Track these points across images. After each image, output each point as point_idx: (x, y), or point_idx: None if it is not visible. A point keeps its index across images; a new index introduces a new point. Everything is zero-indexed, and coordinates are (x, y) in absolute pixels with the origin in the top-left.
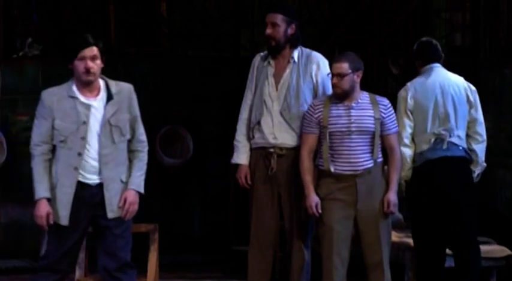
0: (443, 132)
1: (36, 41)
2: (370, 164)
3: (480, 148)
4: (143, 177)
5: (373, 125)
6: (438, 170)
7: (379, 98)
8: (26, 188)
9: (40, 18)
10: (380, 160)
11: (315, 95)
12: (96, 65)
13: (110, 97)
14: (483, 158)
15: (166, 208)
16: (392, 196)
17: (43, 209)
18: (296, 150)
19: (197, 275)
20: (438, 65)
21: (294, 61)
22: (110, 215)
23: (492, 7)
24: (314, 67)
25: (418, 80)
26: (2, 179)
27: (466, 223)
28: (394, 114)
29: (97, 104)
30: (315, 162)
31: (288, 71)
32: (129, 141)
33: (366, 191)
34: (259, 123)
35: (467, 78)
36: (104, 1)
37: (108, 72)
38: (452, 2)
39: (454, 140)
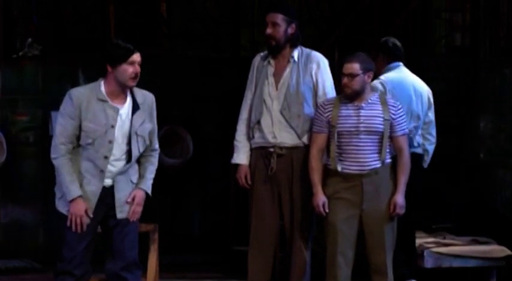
0: (413, 129)
1: (36, 41)
2: (377, 164)
3: (431, 149)
4: (152, 181)
5: (382, 126)
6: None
7: (389, 99)
8: (26, 188)
9: (40, 19)
10: (388, 161)
11: (315, 94)
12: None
13: (136, 106)
14: (430, 159)
15: (166, 208)
16: (400, 198)
17: (81, 206)
18: (296, 149)
19: (197, 276)
20: (402, 64)
21: (294, 61)
22: (119, 215)
23: (492, 7)
24: (314, 66)
25: (390, 76)
26: (2, 179)
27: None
28: (404, 116)
29: (124, 110)
30: (323, 161)
31: (288, 70)
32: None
33: (372, 191)
34: (259, 122)
35: (467, 79)
36: (104, 1)
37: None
38: (452, 2)
39: (418, 138)
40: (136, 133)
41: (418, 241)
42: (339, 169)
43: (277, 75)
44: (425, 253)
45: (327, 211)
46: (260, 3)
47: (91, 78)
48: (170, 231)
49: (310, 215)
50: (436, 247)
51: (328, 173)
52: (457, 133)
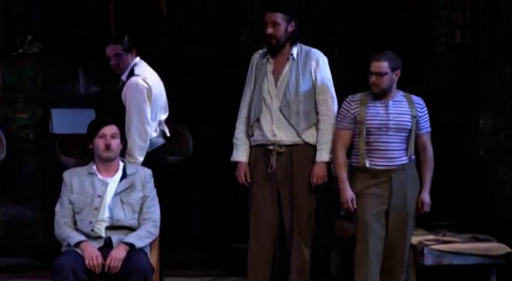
0: None
1: (36, 39)
2: (405, 160)
3: None
4: (144, 240)
5: (410, 123)
6: None
7: (414, 97)
8: (26, 186)
9: (40, 18)
10: (413, 157)
11: (314, 91)
12: (116, 144)
13: (124, 176)
14: None
15: (166, 206)
16: (427, 196)
17: (92, 249)
18: (296, 147)
19: (197, 273)
20: None
21: (293, 58)
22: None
23: (492, 5)
24: (313, 64)
25: None
26: (2, 177)
27: None
28: (427, 114)
29: (114, 183)
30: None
31: (287, 68)
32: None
33: (400, 187)
34: (258, 120)
35: (467, 77)
36: (104, 0)
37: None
38: (452, 1)
39: None
40: (121, 199)
41: (417, 239)
42: (367, 165)
43: (277, 73)
44: (425, 251)
45: (355, 206)
46: (260, 2)
47: (91, 76)
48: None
49: (309, 213)
50: (436, 245)
51: (355, 170)
52: (457, 131)
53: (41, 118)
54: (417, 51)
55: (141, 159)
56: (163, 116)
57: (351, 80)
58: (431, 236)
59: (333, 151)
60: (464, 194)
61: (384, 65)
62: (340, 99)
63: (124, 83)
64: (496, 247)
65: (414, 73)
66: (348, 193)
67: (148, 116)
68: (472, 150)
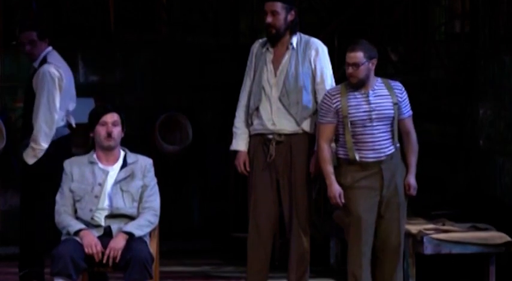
0: None
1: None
2: (392, 150)
3: None
4: (143, 229)
5: (392, 111)
6: None
7: (392, 82)
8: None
9: (39, 6)
10: (398, 145)
11: (314, 81)
12: (117, 131)
13: (124, 164)
14: None
15: (166, 195)
16: (413, 179)
17: (91, 237)
18: (295, 136)
19: (196, 262)
20: None
21: (293, 47)
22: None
23: None
24: (313, 53)
25: None
26: (2, 166)
27: None
28: (407, 98)
29: (114, 171)
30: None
31: (286, 57)
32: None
33: (390, 177)
34: (257, 109)
35: (466, 66)
36: None
37: (107, 60)
38: None
39: None
40: (121, 188)
41: (417, 228)
42: (357, 158)
43: (276, 62)
44: (424, 240)
45: (343, 201)
46: None
47: (90, 65)
48: (169, 218)
49: (309, 202)
50: (436, 234)
51: (343, 163)
52: (456, 120)
53: None
54: (417, 41)
55: (45, 146)
56: (71, 106)
57: None
58: (431, 226)
59: (317, 146)
60: (463, 183)
61: (359, 55)
62: None
63: (35, 70)
64: (495, 236)
65: (414, 62)
66: (335, 188)
67: (57, 104)
68: (472, 139)
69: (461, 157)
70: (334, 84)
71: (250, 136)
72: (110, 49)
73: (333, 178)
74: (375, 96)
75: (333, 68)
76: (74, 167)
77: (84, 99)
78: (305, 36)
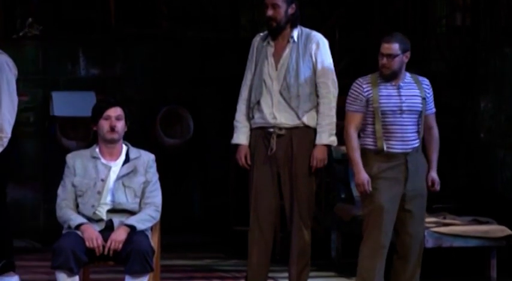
0: None
1: (36, 21)
2: (417, 143)
3: None
4: (145, 223)
5: (420, 105)
6: None
7: (420, 78)
8: (27, 169)
9: (40, 0)
10: (420, 139)
11: (314, 74)
12: (120, 125)
13: (127, 160)
14: None
15: (167, 188)
16: (436, 175)
17: (92, 230)
18: (296, 130)
19: (197, 256)
20: None
21: (294, 41)
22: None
23: None
24: (314, 46)
25: None
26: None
27: None
28: (433, 95)
29: (116, 167)
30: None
31: (287, 50)
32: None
33: (415, 169)
34: (258, 103)
35: (467, 59)
36: None
37: (108, 54)
38: None
39: None
40: (123, 183)
41: None
42: (385, 148)
43: (277, 56)
44: (426, 233)
45: (371, 189)
46: None
47: (91, 59)
48: (171, 212)
49: (310, 195)
50: (437, 227)
51: (369, 153)
52: (457, 113)
53: (41, 101)
54: (418, 34)
55: (10, 135)
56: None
57: (351, 62)
58: (432, 219)
59: (346, 134)
60: (464, 176)
61: (394, 47)
62: (341, 82)
63: None
64: (496, 229)
65: (415, 55)
66: (363, 175)
67: (15, 93)
68: (473, 132)
69: (462, 150)
70: (335, 77)
71: (251, 130)
72: (110, 43)
73: (361, 165)
74: (405, 89)
75: (333, 61)
76: (77, 161)
77: (85, 93)
78: (306, 30)
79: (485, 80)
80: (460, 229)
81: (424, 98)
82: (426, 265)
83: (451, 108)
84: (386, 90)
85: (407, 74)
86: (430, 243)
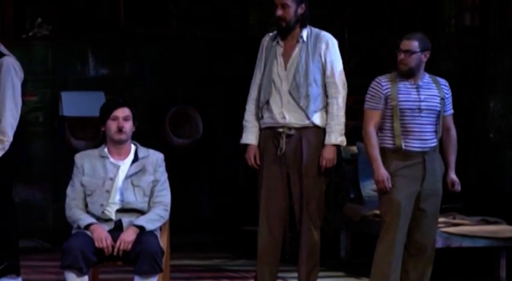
0: None
1: (46, 21)
2: (435, 142)
3: None
4: (154, 223)
5: (439, 105)
6: None
7: (439, 79)
8: (36, 169)
9: (50, 0)
10: (438, 139)
11: (324, 74)
12: (128, 126)
13: (135, 159)
14: None
15: (176, 188)
16: (455, 175)
17: (101, 230)
18: (305, 129)
19: (206, 256)
20: None
21: (303, 40)
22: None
23: None
24: (323, 46)
25: None
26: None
27: None
28: (451, 96)
29: (125, 166)
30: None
31: (296, 50)
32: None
33: (432, 169)
34: (268, 102)
35: (476, 59)
36: None
37: (117, 54)
38: None
39: None
40: (132, 183)
41: None
42: (403, 146)
43: (286, 56)
44: None
45: (390, 186)
46: None
47: (100, 59)
48: (180, 212)
49: (319, 195)
50: (446, 227)
51: (387, 151)
52: (466, 113)
53: (50, 101)
54: (427, 34)
55: (11, 139)
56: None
57: (360, 62)
58: (441, 219)
59: (364, 132)
60: (473, 176)
61: (414, 44)
62: (350, 82)
63: None
64: (505, 229)
65: None
66: (383, 172)
67: (20, 96)
68: (482, 132)
69: (471, 150)
70: (344, 78)
71: (261, 129)
72: (119, 43)
73: (380, 162)
74: (424, 88)
75: (342, 61)
76: (85, 161)
77: (94, 93)
78: (315, 30)
79: (495, 80)
80: (469, 229)
81: (442, 99)
82: (435, 265)
83: (460, 108)
84: (405, 89)
85: (426, 75)
86: (439, 243)
